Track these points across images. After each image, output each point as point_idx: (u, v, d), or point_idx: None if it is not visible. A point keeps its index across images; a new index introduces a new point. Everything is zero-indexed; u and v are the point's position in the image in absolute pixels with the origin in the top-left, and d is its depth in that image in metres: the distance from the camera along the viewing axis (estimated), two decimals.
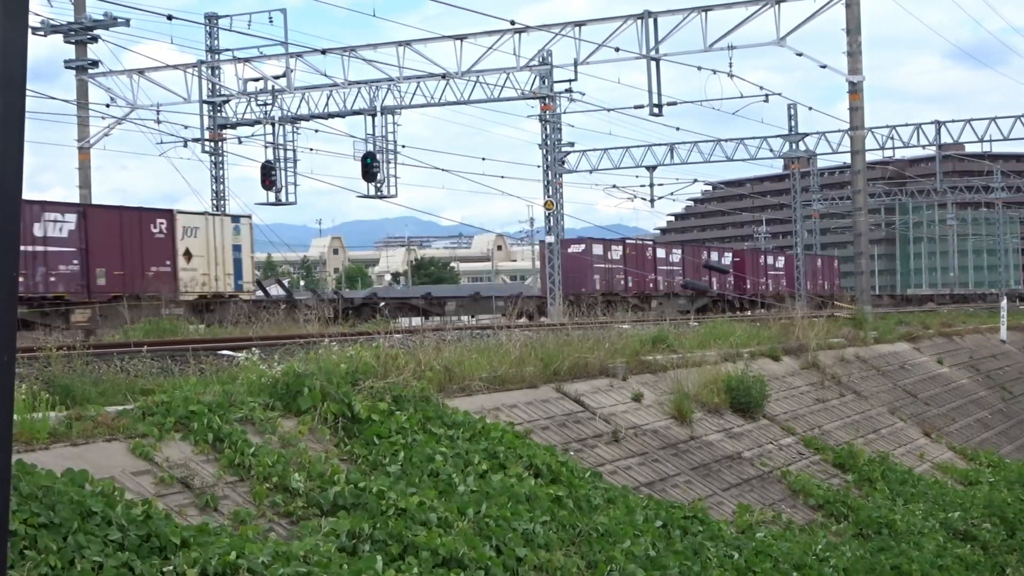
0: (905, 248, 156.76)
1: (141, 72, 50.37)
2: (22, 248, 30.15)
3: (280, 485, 9.56)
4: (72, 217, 36.22)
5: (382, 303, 45.66)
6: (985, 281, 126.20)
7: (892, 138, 63.77)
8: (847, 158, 50.37)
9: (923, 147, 66.44)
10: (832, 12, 40.16)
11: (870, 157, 56.66)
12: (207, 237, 40.88)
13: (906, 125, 64.29)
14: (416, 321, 43.83)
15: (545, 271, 51.04)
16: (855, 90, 39.49)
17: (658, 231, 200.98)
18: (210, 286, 40.93)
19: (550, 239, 49.53)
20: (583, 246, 56.65)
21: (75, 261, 35.97)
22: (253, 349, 13.39)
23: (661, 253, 65.29)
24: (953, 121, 63.59)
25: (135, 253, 37.93)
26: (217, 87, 52.21)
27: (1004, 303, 45.30)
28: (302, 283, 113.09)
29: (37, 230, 34.89)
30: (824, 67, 42.26)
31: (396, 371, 12.62)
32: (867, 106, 40.25)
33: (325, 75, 48.20)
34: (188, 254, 40.00)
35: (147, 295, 36.96)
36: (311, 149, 54.70)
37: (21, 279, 31.81)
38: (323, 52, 47.44)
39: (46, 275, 35.08)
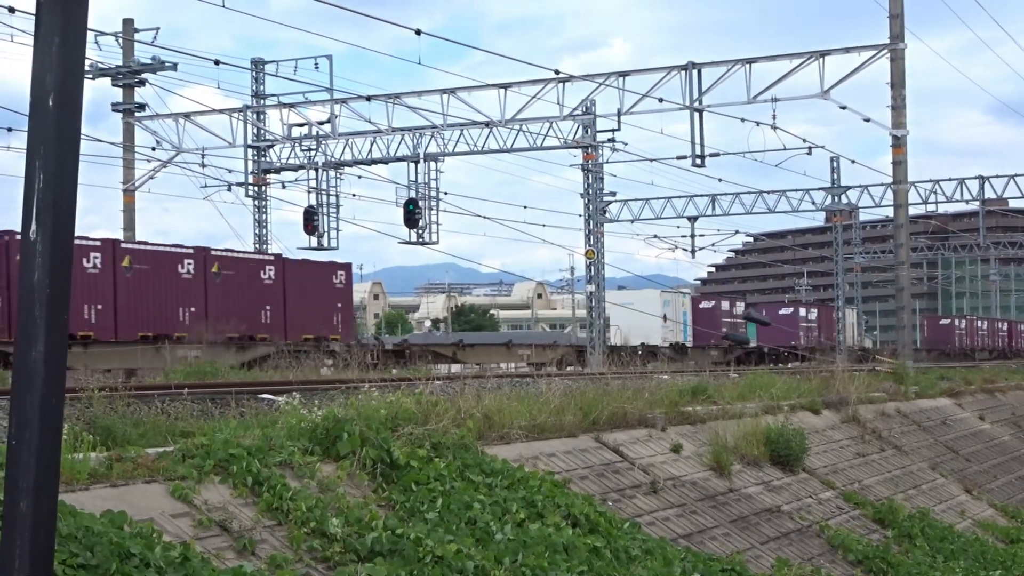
0: (947, 303, 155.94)
1: (187, 116, 50.82)
2: None
3: (318, 530, 9.55)
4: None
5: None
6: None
7: (935, 192, 63.43)
8: (890, 211, 50.26)
9: (966, 202, 66.03)
10: (876, 65, 40.18)
11: (913, 211, 56.47)
12: None
13: (949, 180, 63.97)
14: (457, 367, 43.81)
15: (592, 320, 50.92)
16: (898, 144, 39.41)
17: (698, 282, 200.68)
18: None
19: (591, 288, 49.52)
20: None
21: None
22: (294, 393, 13.42)
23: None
24: (997, 176, 63.18)
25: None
26: (262, 132, 52.53)
27: None
28: None
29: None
30: (868, 120, 42.23)
31: (436, 418, 12.62)
32: (910, 160, 40.14)
33: (369, 121, 48.48)
34: None
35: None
36: (354, 195, 55.18)
37: None
38: (368, 99, 47.71)
39: None
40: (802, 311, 77.84)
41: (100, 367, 30.80)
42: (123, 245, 37.03)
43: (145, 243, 38.93)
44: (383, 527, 9.82)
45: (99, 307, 34.65)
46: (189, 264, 37.82)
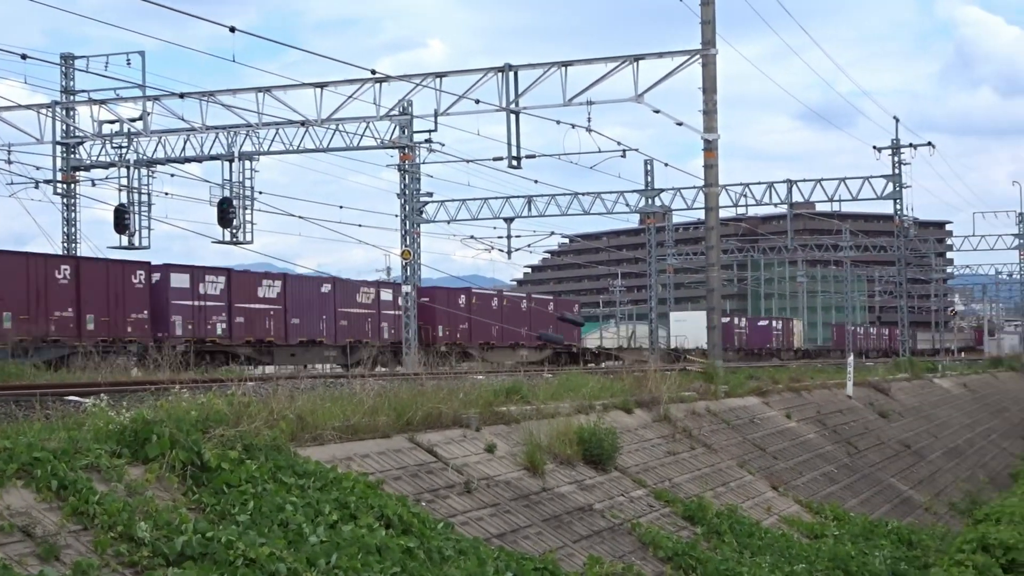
0: (757, 304, 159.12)
1: None
2: None
3: (125, 534, 9.39)
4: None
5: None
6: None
7: (745, 196, 64.73)
8: (701, 214, 51.12)
9: (775, 205, 67.60)
10: (689, 70, 40.79)
11: (724, 214, 57.59)
12: None
13: (759, 183, 65.39)
14: (270, 369, 43.56)
15: (402, 320, 50.96)
16: (710, 148, 40.00)
17: (515, 282, 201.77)
18: None
19: (407, 288, 49.51)
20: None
21: None
22: (102, 395, 13.15)
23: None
24: (804, 180, 64.84)
25: None
26: (71, 128, 51.42)
27: (851, 359, 46.16)
28: None
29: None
30: (680, 124, 42.91)
31: (248, 419, 12.48)
32: (721, 164, 40.81)
33: (182, 119, 47.73)
34: None
35: None
36: (166, 193, 54.21)
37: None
38: (181, 96, 46.96)
39: None
40: (384, 294, 77.53)
41: None
42: None
43: None
44: (193, 530, 9.69)
45: None
46: None
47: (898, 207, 69.40)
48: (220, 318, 47.65)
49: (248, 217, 48.92)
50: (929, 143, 71.97)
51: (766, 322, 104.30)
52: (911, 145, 70.49)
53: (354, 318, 55.48)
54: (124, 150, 49.99)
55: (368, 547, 10.92)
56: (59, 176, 51.25)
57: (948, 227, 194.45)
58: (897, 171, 68.19)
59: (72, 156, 51.58)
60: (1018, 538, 20.79)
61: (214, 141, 49.53)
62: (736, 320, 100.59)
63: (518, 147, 43.68)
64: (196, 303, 46.57)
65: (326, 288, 54.31)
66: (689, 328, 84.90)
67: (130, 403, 13.03)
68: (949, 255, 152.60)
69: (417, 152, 50.10)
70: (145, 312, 43.93)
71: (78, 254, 48.83)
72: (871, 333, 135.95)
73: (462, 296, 63.86)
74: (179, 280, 46.10)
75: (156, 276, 45.46)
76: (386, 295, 58.23)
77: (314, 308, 52.96)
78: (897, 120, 72.58)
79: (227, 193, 48.76)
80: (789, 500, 24.83)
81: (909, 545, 23.55)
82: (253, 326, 49.11)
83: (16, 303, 39.05)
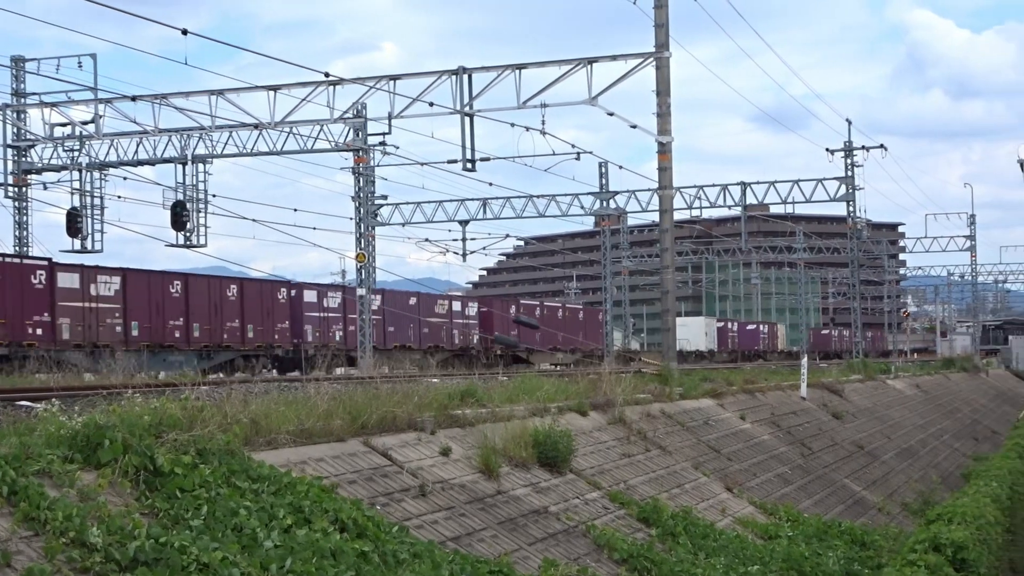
0: (711, 306, 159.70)
1: None
2: None
3: (77, 540, 9.32)
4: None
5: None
6: (787, 339, 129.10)
7: (699, 198, 65.09)
8: (656, 216, 51.20)
9: (729, 207, 67.98)
10: (643, 73, 40.89)
11: (678, 216, 57.81)
12: None
13: (713, 185, 65.76)
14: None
15: (358, 324, 50.91)
16: (664, 150, 40.08)
17: (470, 285, 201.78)
18: None
19: (361, 291, 49.45)
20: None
21: None
22: (53, 400, 13.06)
23: (457, 306, 67.93)
24: (758, 183, 65.26)
25: None
26: (22, 131, 51.06)
27: (804, 360, 46.27)
28: None
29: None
30: (634, 127, 42.99)
31: (202, 423, 12.42)
32: (676, 166, 40.85)
33: (135, 122, 47.47)
34: None
35: None
36: (119, 197, 53.91)
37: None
38: (133, 99, 46.75)
39: None
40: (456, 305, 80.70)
41: None
42: None
43: None
44: (146, 535, 9.63)
45: None
46: None
47: (851, 209, 69.88)
48: (338, 327, 57.99)
49: (202, 220, 48.80)
50: (881, 145, 72.56)
51: (754, 326, 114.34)
52: (863, 147, 71.00)
53: (433, 326, 65.92)
54: (76, 153, 49.75)
55: (322, 551, 10.90)
56: (10, 179, 50.91)
57: (901, 229, 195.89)
58: (850, 173, 68.60)
59: (23, 159, 51.25)
60: (969, 538, 20.95)
61: (167, 144, 49.38)
62: (729, 325, 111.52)
63: (472, 150, 43.72)
64: (321, 315, 57.16)
65: (413, 300, 65.15)
66: (690, 332, 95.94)
67: (82, 408, 12.96)
68: (902, 257, 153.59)
69: (371, 155, 50.06)
70: (287, 322, 54.07)
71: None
72: (844, 335, 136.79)
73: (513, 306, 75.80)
74: (309, 295, 57.20)
75: (293, 292, 55.95)
76: (456, 306, 70.35)
77: (405, 318, 63.02)
78: (849, 122, 73.09)
79: (180, 196, 48.58)
80: (743, 501, 24.92)
81: (862, 545, 23.69)
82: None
83: (201, 316, 48.59)
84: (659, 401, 29.31)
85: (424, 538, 13.69)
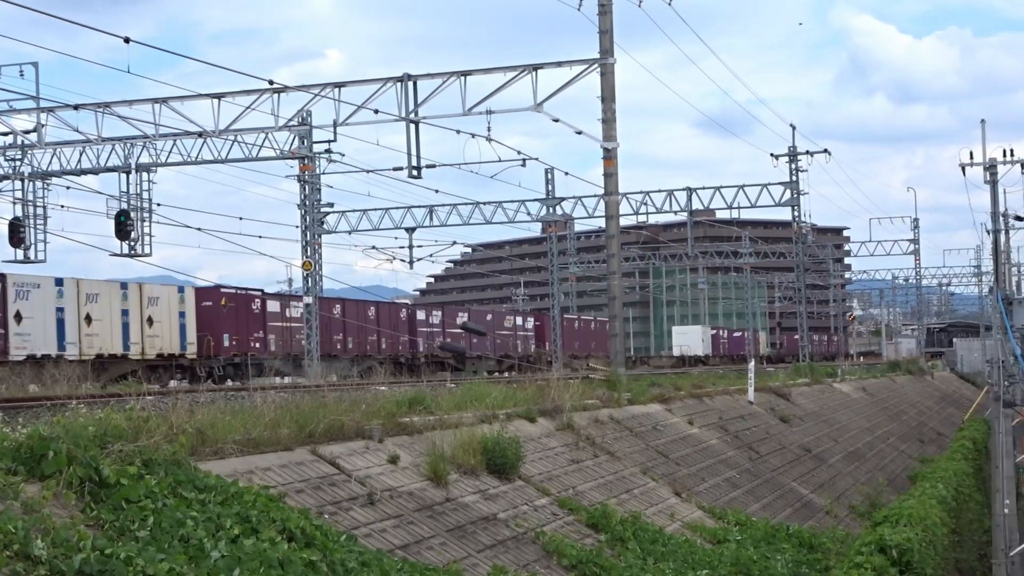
0: (659, 311, 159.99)
1: None
2: None
3: (22, 552, 9.21)
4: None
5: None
6: (767, 344, 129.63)
7: (646, 203, 65.31)
8: (602, 222, 51.29)
9: (675, 213, 68.23)
10: (588, 79, 40.96)
11: (625, 222, 58.03)
12: None
13: (659, 191, 66.00)
14: (174, 382, 43.23)
15: (304, 332, 50.76)
16: (609, 156, 40.17)
17: (418, 292, 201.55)
18: None
19: (308, 300, 49.29)
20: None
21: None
22: None
23: (421, 315, 67.04)
24: (704, 188, 65.50)
25: None
26: None
27: (752, 365, 46.44)
28: None
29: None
30: (580, 133, 43.02)
31: (147, 434, 12.33)
32: (621, 172, 41.00)
33: (78, 131, 47.16)
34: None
35: None
36: (62, 206, 53.42)
37: None
38: (76, 108, 46.39)
39: None
40: (518, 320, 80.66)
41: None
42: None
43: None
44: (91, 547, 9.54)
45: None
46: None
47: (796, 214, 70.29)
48: (439, 340, 67.55)
49: (146, 229, 48.47)
50: (825, 150, 72.91)
51: (740, 333, 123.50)
52: (808, 152, 71.26)
53: (503, 338, 75.17)
54: (18, 163, 49.28)
55: (270, 561, 10.84)
56: None
57: (846, 233, 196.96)
58: (794, 178, 68.92)
59: None
60: (914, 539, 21.11)
61: (110, 153, 49.04)
62: (720, 332, 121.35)
63: (418, 157, 43.70)
64: (430, 330, 67.47)
65: (489, 316, 76.47)
66: (689, 339, 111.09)
67: (26, 419, 12.84)
68: (847, 261, 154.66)
69: (317, 163, 49.93)
70: (407, 336, 63.79)
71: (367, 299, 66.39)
72: (813, 339, 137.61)
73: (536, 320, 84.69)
74: (421, 314, 67.94)
75: (409, 311, 67.96)
76: (518, 320, 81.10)
77: (490, 332, 72.00)
78: (794, 128, 73.30)
79: (124, 205, 48.25)
80: (692, 506, 25.00)
81: (810, 548, 23.83)
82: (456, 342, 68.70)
83: (352, 331, 59.12)
84: (607, 407, 29.36)
85: (373, 547, 13.66)
